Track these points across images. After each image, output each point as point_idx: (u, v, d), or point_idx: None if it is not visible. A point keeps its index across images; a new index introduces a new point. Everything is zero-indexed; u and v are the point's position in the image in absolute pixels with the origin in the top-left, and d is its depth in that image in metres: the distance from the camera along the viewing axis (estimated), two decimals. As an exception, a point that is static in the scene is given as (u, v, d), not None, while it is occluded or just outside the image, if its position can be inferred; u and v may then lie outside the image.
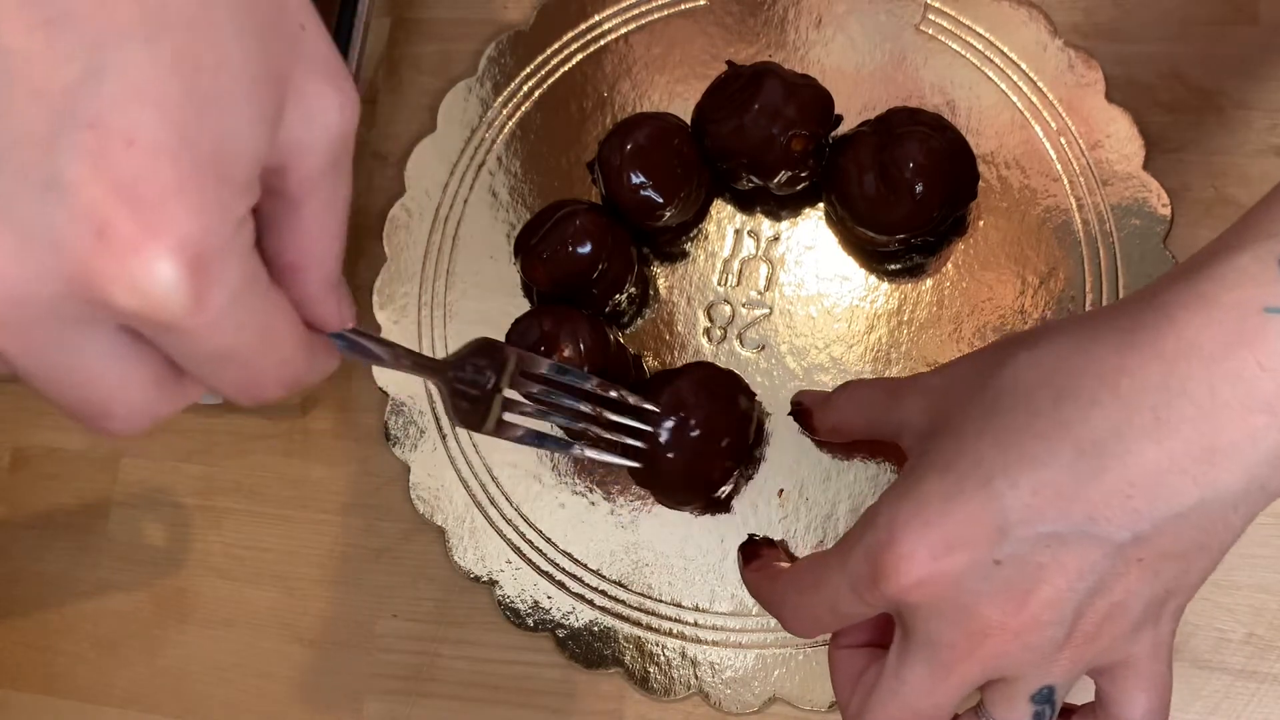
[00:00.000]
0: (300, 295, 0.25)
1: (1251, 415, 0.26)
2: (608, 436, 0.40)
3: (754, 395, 0.43)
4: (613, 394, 0.40)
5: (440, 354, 0.47)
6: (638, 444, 0.40)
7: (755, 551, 0.40)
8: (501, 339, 0.42)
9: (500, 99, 0.49)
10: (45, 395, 0.23)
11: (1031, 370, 0.29)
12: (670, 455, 0.40)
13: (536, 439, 0.38)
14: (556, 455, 0.45)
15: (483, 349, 0.38)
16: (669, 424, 0.40)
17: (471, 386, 0.37)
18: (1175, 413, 0.26)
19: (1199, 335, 0.26)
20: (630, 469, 0.41)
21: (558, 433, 0.41)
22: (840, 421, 0.39)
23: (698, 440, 0.40)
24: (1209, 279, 0.27)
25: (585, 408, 0.39)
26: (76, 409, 0.23)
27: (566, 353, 0.41)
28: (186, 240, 0.20)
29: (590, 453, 0.40)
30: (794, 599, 0.33)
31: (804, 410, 0.41)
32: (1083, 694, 0.31)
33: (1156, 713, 0.30)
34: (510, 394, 0.38)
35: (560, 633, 0.44)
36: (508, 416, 0.38)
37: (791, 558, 0.41)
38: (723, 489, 0.42)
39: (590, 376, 0.40)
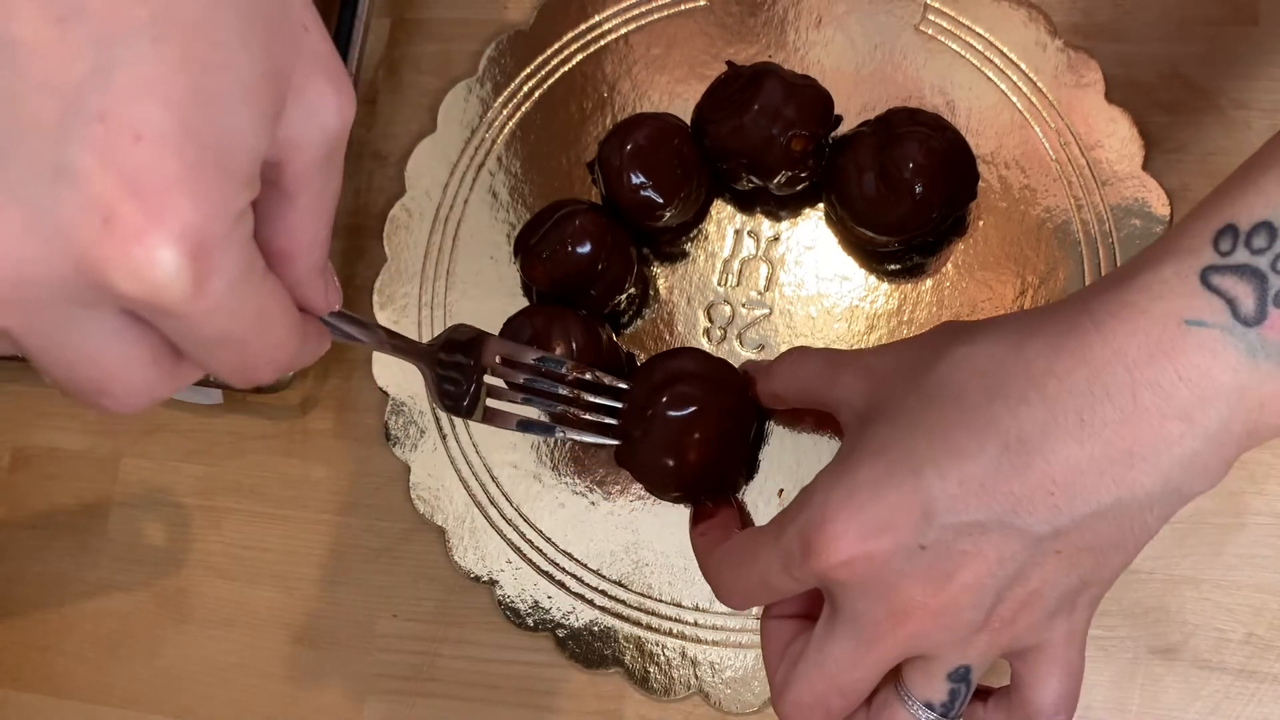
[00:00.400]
0: (291, 280, 0.26)
1: (1168, 422, 0.27)
2: (586, 417, 0.40)
3: (744, 383, 0.42)
4: (587, 375, 0.40)
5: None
6: (612, 421, 0.40)
7: (705, 511, 0.40)
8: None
9: (500, 99, 0.49)
10: (46, 373, 0.23)
11: (966, 366, 0.30)
12: (644, 432, 0.40)
13: (521, 425, 0.39)
14: (557, 455, 0.45)
15: (464, 334, 0.38)
16: (645, 401, 0.40)
17: (455, 371, 0.37)
18: (1098, 416, 0.27)
19: (1124, 343, 0.27)
20: (615, 452, 0.41)
21: (542, 419, 0.41)
22: (782, 389, 0.39)
23: (674, 420, 0.40)
24: (1136, 289, 0.28)
25: (563, 391, 0.40)
26: (76, 387, 0.24)
27: (558, 351, 0.40)
28: (188, 229, 0.21)
29: (571, 434, 0.40)
30: (729, 571, 0.34)
31: (748, 379, 0.42)
32: (1000, 679, 0.33)
33: (1066, 697, 0.31)
34: (492, 380, 0.38)
35: (560, 633, 0.44)
36: (490, 403, 0.39)
37: (745, 518, 0.41)
38: (714, 482, 0.42)
39: (565, 360, 0.40)
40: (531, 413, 0.40)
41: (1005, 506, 0.28)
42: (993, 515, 0.28)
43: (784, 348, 0.44)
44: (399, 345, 0.35)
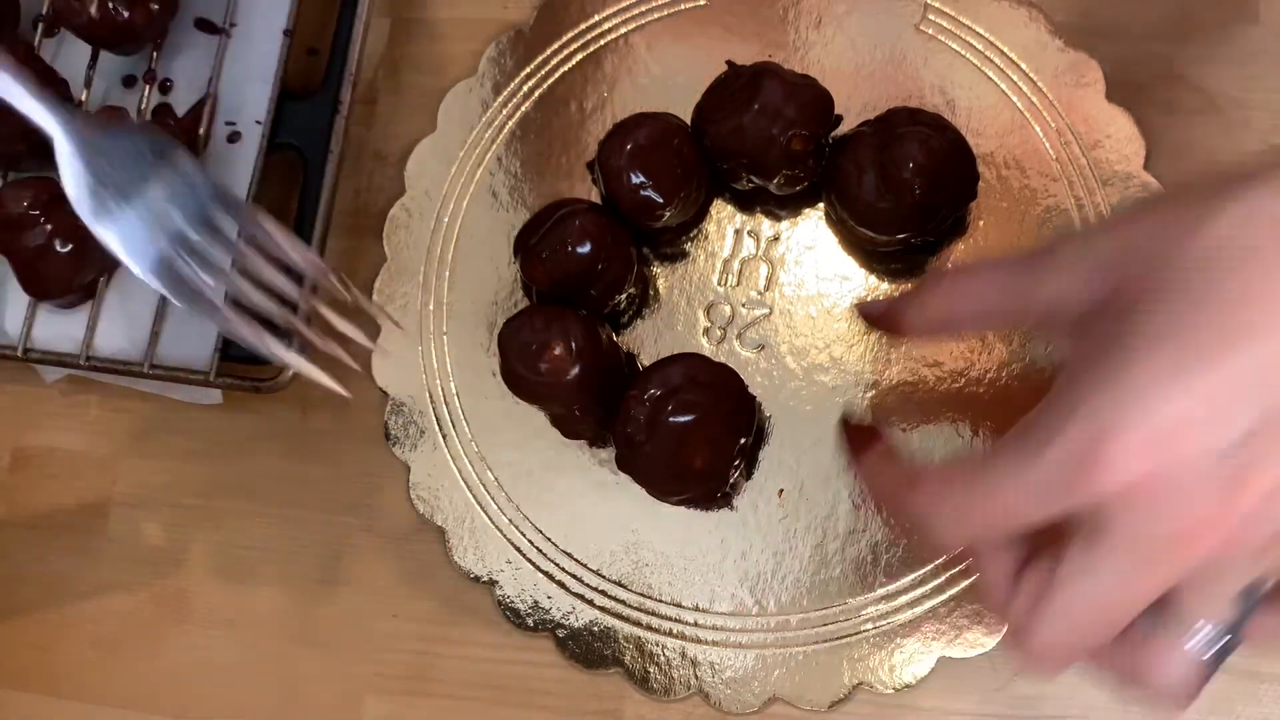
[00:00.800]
0: None
1: None
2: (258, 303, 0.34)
3: (748, 388, 0.42)
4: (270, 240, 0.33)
5: (443, 358, 0.47)
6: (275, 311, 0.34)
7: (858, 441, 0.35)
8: (499, 338, 0.42)
9: (500, 99, 0.49)
10: None
11: (1250, 224, 0.25)
12: (647, 439, 0.40)
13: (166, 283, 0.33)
14: (557, 454, 0.45)
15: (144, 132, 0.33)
16: (648, 407, 0.40)
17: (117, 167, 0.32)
18: None
19: None
20: (617, 458, 0.41)
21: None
22: (951, 312, 0.33)
23: (677, 426, 0.40)
24: None
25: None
26: None
27: (557, 351, 0.40)
28: None
29: (238, 330, 0.34)
30: (952, 506, 0.28)
31: (884, 314, 0.35)
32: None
33: None
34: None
35: (560, 633, 0.44)
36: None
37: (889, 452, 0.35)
38: (717, 483, 0.42)
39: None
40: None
41: None
42: None
43: (784, 348, 0.44)
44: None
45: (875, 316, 0.36)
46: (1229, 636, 0.27)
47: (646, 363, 0.45)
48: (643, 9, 0.49)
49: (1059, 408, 0.26)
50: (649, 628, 0.43)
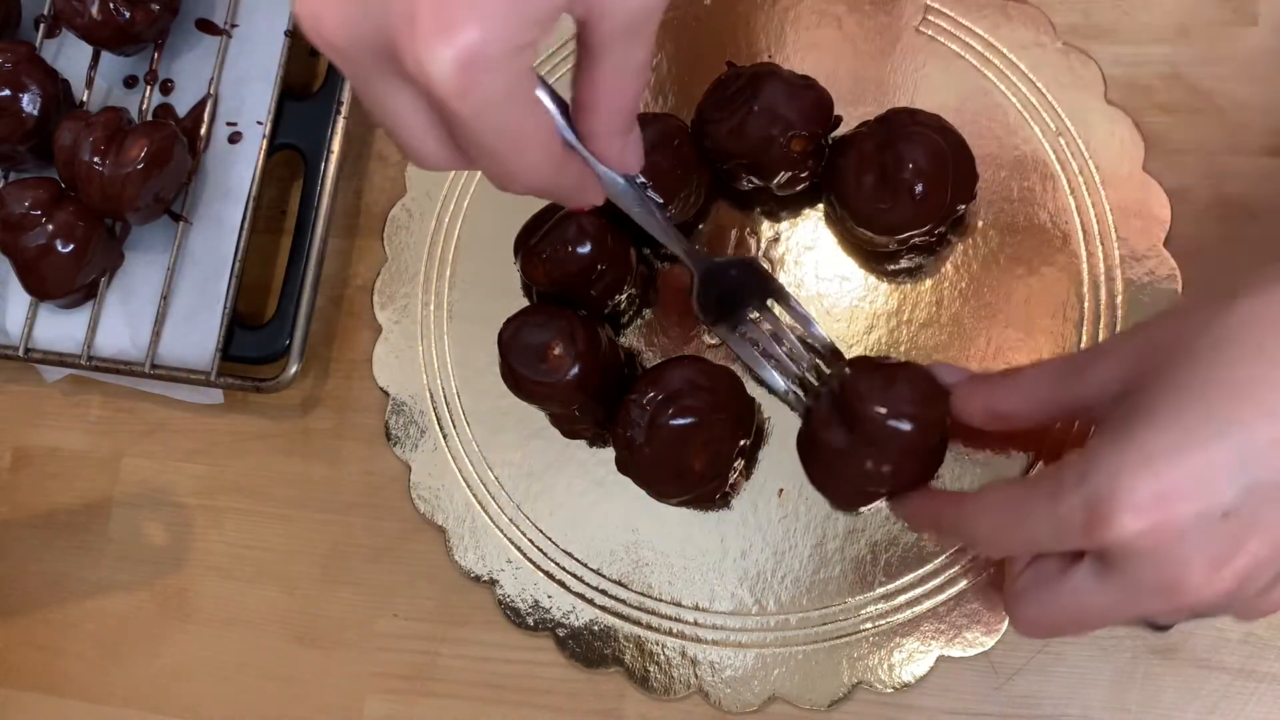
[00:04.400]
0: (586, 130, 0.30)
1: None
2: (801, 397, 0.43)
3: (747, 390, 0.42)
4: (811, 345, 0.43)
5: (443, 358, 0.48)
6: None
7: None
8: (499, 338, 0.42)
9: (500, 99, 0.49)
10: (379, 124, 0.33)
11: (1260, 319, 0.29)
12: (648, 441, 0.40)
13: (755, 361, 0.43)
14: (558, 454, 0.45)
15: (748, 266, 0.43)
16: (647, 410, 0.40)
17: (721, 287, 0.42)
18: None
19: None
20: (617, 460, 0.41)
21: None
22: (1004, 407, 0.37)
23: (678, 429, 0.40)
24: None
25: (795, 368, 0.43)
26: (396, 141, 0.29)
27: (556, 351, 0.40)
28: (467, 44, 0.25)
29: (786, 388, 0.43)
30: (989, 524, 0.33)
31: (944, 393, 0.38)
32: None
33: None
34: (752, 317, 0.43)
35: (560, 632, 0.44)
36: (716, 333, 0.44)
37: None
38: (717, 484, 0.42)
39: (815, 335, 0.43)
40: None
41: None
42: None
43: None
44: (679, 240, 0.40)
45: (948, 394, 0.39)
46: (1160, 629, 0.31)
47: (647, 363, 0.45)
48: (643, 9, 0.49)
49: (1083, 465, 0.30)
50: (649, 627, 0.43)
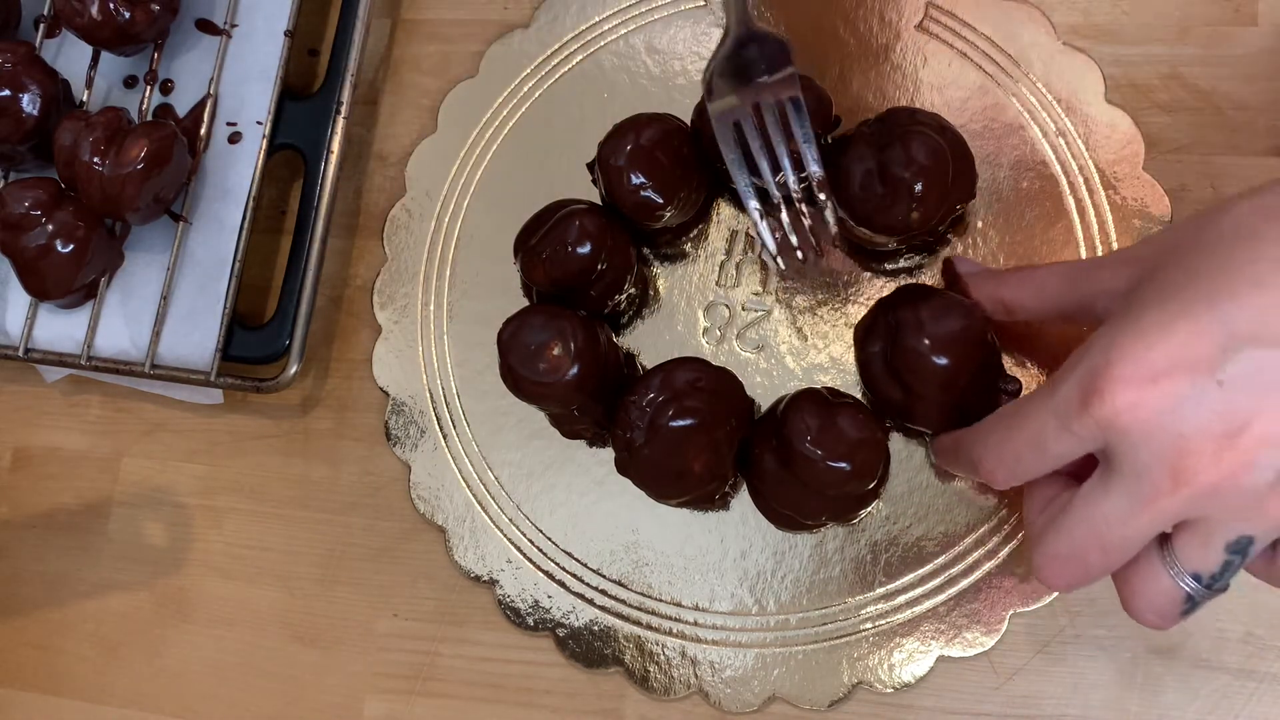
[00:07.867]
0: None
1: None
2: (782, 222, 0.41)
3: (746, 391, 0.42)
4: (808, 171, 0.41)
5: (443, 358, 0.48)
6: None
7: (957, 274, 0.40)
8: (498, 338, 0.42)
9: (500, 99, 0.49)
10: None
11: (1257, 211, 0.29)
12: (647, 443, 0.40)
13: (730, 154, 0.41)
14: (556, 453, 0.45)
15: (781, 46, 0.40)
16: (647, 412, 0.40)
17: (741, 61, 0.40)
18: None
19: None
20: (616, 461, 0.41)
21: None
22: (1013, 299, 0.38)
23: (677, 431, 0.40)
24: None
25: (778, 181, 0.41)
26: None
27: (556, 351, 0.40)
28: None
29: (759, 230, 0.42)
30: (996, 438, 0.33)
31: (955, 275, 0.41)
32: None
33: None
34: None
35: (560, 632, 0.44)
36: (713, 106, 0.40)
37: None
38: (716, 485, 0.42)
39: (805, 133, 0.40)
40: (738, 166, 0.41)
41: None
42: None
43: (783, 348, 0.44)
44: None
45: (956, 275, 0.41)
46: (1212, 583, 0.30)
47: (646, 363, 0.45)
48: (643, 9, 0.49)
49: (1082, 350, 0.30)
50: (649, 627, 0.43)
